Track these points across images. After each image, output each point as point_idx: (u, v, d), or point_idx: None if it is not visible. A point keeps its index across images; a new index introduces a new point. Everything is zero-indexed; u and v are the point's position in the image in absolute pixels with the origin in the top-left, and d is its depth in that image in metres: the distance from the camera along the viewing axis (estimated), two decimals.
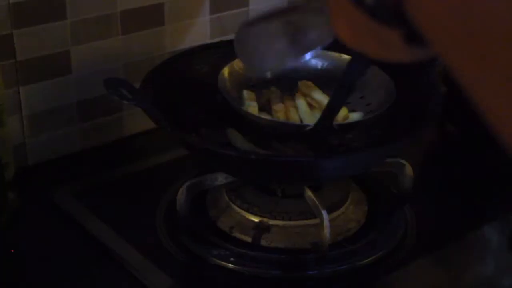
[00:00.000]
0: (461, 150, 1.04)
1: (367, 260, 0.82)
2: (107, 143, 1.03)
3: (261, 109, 0.87)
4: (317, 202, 0.79)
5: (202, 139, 0.86)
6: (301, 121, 0.85)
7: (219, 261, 0.81)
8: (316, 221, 0.80)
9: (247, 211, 0.84)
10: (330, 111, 0.79)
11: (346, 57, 0.89)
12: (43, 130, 0.98)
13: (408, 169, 0.87)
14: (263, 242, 0.82)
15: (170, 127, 0.81)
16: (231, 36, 1.09)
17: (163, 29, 1.04)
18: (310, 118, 0.85)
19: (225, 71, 0.88)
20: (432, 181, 0.98)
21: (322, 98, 0.87)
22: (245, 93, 0.88)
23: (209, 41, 1.07)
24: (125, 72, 1.01)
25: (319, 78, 0.91)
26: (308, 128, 0.80)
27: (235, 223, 0.84)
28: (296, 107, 0.87)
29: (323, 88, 0.89)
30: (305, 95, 0.88)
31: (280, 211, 0.83)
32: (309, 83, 0.90)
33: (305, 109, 0.86)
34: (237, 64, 0.89)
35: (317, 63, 0.92)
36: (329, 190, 0.86)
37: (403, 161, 0.88)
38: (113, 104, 1.02)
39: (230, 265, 0.80)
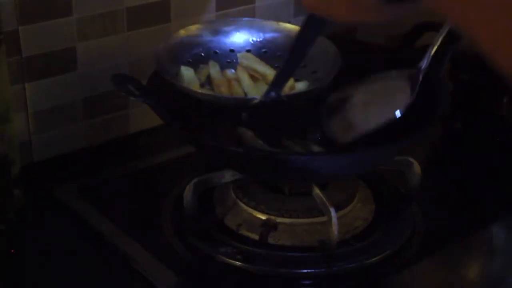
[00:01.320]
0: (469, 148, 1.04)
1: (374, 258, 0.82)
2: (112, 140, 1.03)
3: (202, 85, 0.85)
4: (325, 200, 0.79)
5: (209, 136, 0.86)
6: (246, 94, 0.83)
7: (226, 259, 0.80)
8: (324, 219, 0.80)
9: (254, 208, 0.84)
10: (279, 82, 0.77)
11: (285, 25, 0.89)
12: (49, 127, 0.98)
13: (416, 167, 0.87)
14: (271, 240, 0.82)
15: (177, 124, 0.80)
16: None
17: (169, 26, 1.03)
18: (254, 90, 0.83)
19: (161, 47, 0.85)
20: (440, 179, 0.98)
21: (265, 70, 0.85)
22: (183, 69, 0.85)
23: None
24: (131, 69, 1.01)
25: (257, 50, 0.89)
26: (256, 101, 0.79)
27: (242, 221, 0.84)
28: (238, 81, 0.85)
29: (262, 59, 0.88)
30: (246, 68, 0.86)
31: (288, 209, 0.83)
32: (249, 54, 0.88)
33: (248, 82, 0.84)
34: (173, 38, 0.87)
35: (253, 33, 0.90)
36: (336, 188, 0.86)
37: (411, 159, 0.87)
38: (119, 101, 1.02)
39: (237, 262, 0.80)
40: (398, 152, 0.85)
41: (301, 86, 0.84)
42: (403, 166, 0.88)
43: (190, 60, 0.87)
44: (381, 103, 0.80)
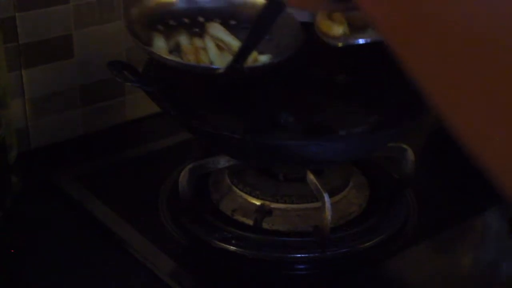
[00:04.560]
0: None
1: (368, 244, 0.82)
2: (109, 127, 1.04)
3: (170, 52, 0.86)
4: (319, 185, 0.79)
5: (203, 121, 0.86)
6: (211, 63, 0.84)
7: (221, 244, 0.81)
8: (318, 204, 0.80)
9: (249, 194, 0.84)
10: (242, 54, 0.79)
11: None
12: (46, 113, 0.98)
13: (410, 154, 0.88)
14: (265, 225, 0.83)
15: (172, 109, 0.81)
16: None
17: None
18: (220, 60, 0.84)
19: (135, 11, 0.86)
20: (434, 166, 0.99)
21: (230, 40, 0.86)
22: (154, 35, 0.86)
23: None
24: (128, 57, 1.01)
25: (226, 21, 0.90)
26: (219, 71, 0.80)
27: (237, 206, 0.85)
28: (205, 49, 0.86)
29: (230, 30, 0.89)
30: (213, 37, 0.87)
31: (282, 194, 0.84)
32: (217, 25, 0.89)
33: (215, 51, 0.85)
34: (145, 4, 0.87)
35: (223, 5, 0.90)
36: (331, 174, 0.87)
37: (405, 146, 0.88)
38: (116, 88, 1.02)
39: (231, 247, 0.81)
40: (392, 138, 0.86)
41: (264, 59, 0.86)
42: (397, 153, 0.88)
43: (161, 27, 0.88)
44: None
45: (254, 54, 0.84)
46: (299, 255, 0.81)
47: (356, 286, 0.80)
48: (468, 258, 0.88)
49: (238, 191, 0.85)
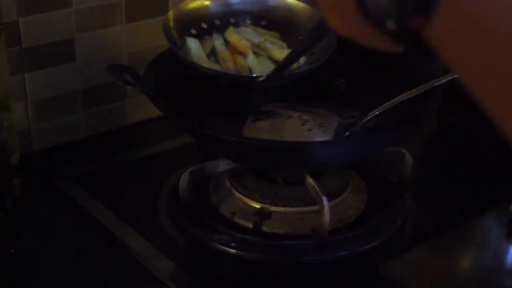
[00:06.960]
0: (461, 140, 1.05)
1: (366, 247, 0.83)
2: (111, 130, 1.04)
3: (207, 57, 0.86)
4: (317, 189, 0.80)
5: (203, 124, 0.87)
6: (250, 70, 0.85)
7: (221, 246, 0.82)
8: (317, 207, 0.81)
9: (249, 197, 0.85)
10: (286, 64, 0.81)
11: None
12: (48, 116, 0.99)
13: (408, 158, 0.88)
14: (264, 228, 0.83)
15: (173, 113, 0.82)
16: None
17: None
18: (258, 66, 0.85)
19: (170, 15, 0.86)
20: (432, 170, 0.99)
21: (260, 40, 0.88)
22: (190, 41, 0.86)
23: None
24: (129, 60, 1.02)
25: (257, 21, 0.91)
26: (261, 79, 0.81)
27: (237, 209, 0.85)
28: (242, 54, 0.86)
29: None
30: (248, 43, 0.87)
31: (281, 197, 0.84)
32: (248, 29, 0.90)
33: (252, 56, 0.86)
34: (181, 7, 0.88)
35: (254, 6, 0.91)
36: (329, 177, 0.87)
37: (403, 150, 0.88)
38: (117, 91, 1.03)
39: (231, 250, 0.81)
40: (391, 142, 0.86)
41: (300, 61, 0.87)
42: (395, 157, 0.89)
43: (195, 31, 0.88)
44: None
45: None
46: (298, 258, 0.81)
47: None
48: (467, 261, 0.88)
49: (237, 194, 0.86)
